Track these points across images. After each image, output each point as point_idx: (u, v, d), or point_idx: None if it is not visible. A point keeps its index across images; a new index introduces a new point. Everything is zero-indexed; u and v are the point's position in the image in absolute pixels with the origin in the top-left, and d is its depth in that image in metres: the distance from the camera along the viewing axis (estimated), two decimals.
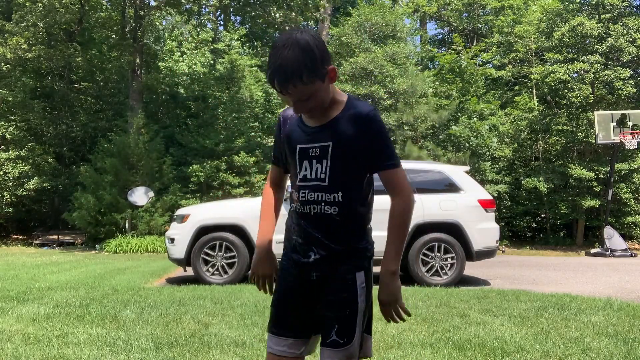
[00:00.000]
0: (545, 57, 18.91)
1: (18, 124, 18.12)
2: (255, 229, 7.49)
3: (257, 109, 18.48)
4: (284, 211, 2.04)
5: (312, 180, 1.82)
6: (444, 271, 7.71)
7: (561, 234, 19.23)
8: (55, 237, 17.28)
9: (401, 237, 1.93)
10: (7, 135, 17.57)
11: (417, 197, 7.88)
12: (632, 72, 17.62)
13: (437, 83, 19.88)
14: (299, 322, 1.84)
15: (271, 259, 1.96)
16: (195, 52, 20.07)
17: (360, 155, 1.79)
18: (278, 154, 2.01)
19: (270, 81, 1.70)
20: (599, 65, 17.02)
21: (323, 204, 1.80)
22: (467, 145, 17.14)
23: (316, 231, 1.82)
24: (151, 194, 15.19)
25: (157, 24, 21.36)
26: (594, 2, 17.90)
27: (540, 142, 18.96)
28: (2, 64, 17.24)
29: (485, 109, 18.33)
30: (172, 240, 7.86)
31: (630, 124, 14.57)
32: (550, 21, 18.79)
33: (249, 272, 1.93)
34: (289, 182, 2.02)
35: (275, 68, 1.65)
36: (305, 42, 1.64)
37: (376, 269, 1.95)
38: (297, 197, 1.86)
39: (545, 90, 18.64)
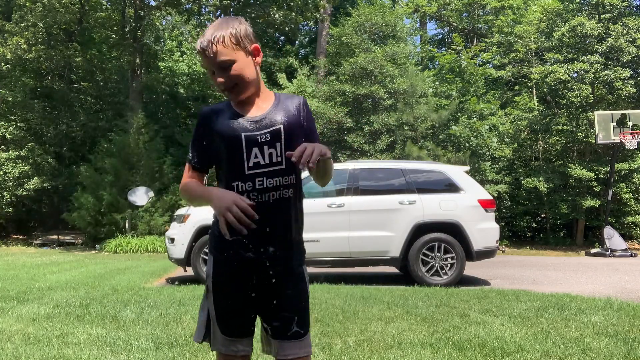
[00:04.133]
0: (545, 57, 18.91)
1: (18, 124, 18.12)
2: None
3: None
4: None
5: (267, 167, 1.81)
6: (444, 271, 7.71)
7: (561, 234, 19.23)
8: (55, 237, 17.29)
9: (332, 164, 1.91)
10: (7, 135, 17.58)
11: (417, 197, 7.88)
12: (632, 72, 17.62)
13: (437, 83, 19.89)
14: (251, 321, 1.88)
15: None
16: (195, 52, 20.08)
17: (303, 136, 1.88)
18: (201, 155, 1.88)
19: (198, 48, 1.81)
20: (599, 65, 17.02)
21: (282, 188, 1.82)
22: (467, 145, 17.14)
23: (274, 221, 1.82)
24: (151, 194, 15.19)
25: (157, 24, 21.38)
26: (594, 2, 17.90)
27: (540, 142, 18.96)
28: (2, 64, 17.24)
29: (485, 109, 18.33)
30: (172, 240, 7.86)
31: (630, 124, 14.57)
32: (550, 21, 18.79)
33: (220, 210, 1.72)
34: None
35: (203, 34, 1.80)
36: (231, 18, 1.84)
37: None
38: (252, 187, 1.80)
39: (545, 90, 18.64)
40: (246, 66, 1.81)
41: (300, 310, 1.86)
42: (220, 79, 1.79)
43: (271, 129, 1.82)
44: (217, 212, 1.73)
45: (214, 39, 1.76)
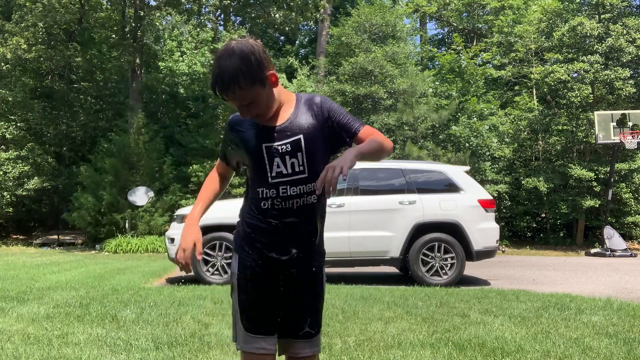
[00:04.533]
0: (545, 57, 18.90)
1: (18, 124, 18.12)
2: None
3: None
4: None
5: (290, 176, 1.86)
6: (444, 271, 7.71)
7: (561, 234, 19.23)
8: (55, 237, 17.28)
9: (375, 145, 1.88)
10: (7, 135, 17.58)
11: (417, 197, 7.88)
12: (632, 72, 17.62)
13: (437, 83, 19.89)
14: (274, 320, 1.91)
15: (198, 229, 1.95)
16: (195, 52, 20.07)
17: (329, 137, 1.91)
18: (227, 154, 2.02)
19: (212, 89, 1.79)
20: (599, 65, 17.02)
21: (305, 195, 1.87)
22: (467, 145, 17.13)
23: (297, 226, 1.88)
24: (151, 194, 15.19)
25: (157, 24, 21.37)
26: (594, 2, 17.89)
27: (540, 142, 18.95)
28: (2, 64, 17.24)
29: (485, 109, 18.33)
30: (172, 240, 7.86)
31: (630, 124, 14.57)
32: (550, 21, 18.79)
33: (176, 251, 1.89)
34: None
35: (215, 77, 1.75)
36: (240, 50, 1.73)
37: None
38: (276, 194, 1.86)
39: (545, 90, 18.64)
40: (265, 97, 1.81)
41: (314, 312, 1.92)
42: (242, 111, 1.83)
43: (292, 139, 1.86)
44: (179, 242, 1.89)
45: (228, 86, 1.74)
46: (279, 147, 1.85)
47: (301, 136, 1.86)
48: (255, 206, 1.90)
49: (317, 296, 1.94)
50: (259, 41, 1.81)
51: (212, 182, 2.08)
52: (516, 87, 20.79)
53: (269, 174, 1.86)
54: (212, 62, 1.83)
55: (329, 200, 7.92)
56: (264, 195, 1.86)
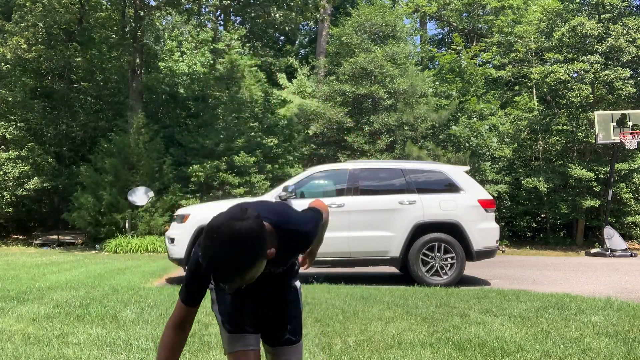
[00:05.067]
0: (545, 57, 18.90)
1: (18, 124, 18.11)
2: None
3: (257, 109, 18.49)
4: None
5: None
6: (444, 271, 7.71)
7: (561, 234, 19.23)
8: (55, 237, 17.27)
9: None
10: (7, 135, 17.56)
11: (417, 197, 7.88)
12: (632, 72, 17.62)
13: (437, 83, 19.89)
14: (256, 320, 1.96)
15: None
16: (195, 52, 20.07)
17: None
18: (195, 290, 1.82)
19: (207, 273, 1.63)
20: (599, 65, 17.02)
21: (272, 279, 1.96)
22: (467, 145, 17.13)
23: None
24: (151, 194, 15.19)
25: (157, 24, 21.37)
26: (594, 2, 17.89)
27: (540, 142, 18.95)
28: (2, 64, 17.23)
29: (485, 109, 18.33)
30: (172, 240, 7.86)
31: (630, 124, 14.57)
32: (550, 21, 18.78)
33: None
34: None
35: (216, 265, 1.58)
36: (242, 237, 1.56)
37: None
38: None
39: (545, 90, 18.64)
40: (260, 269, 1.68)
41: (293, 319, 1.99)
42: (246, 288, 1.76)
43: (278, 271, 1.94)
44: None
45: (230, 278, 1.60)
46: (263, 276, 1.81)
47: (282, 267, 1.94)
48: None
49: (294, 304, 2.01)
50: (259, 219, 1.63)
51: (167, 345, 1.82)
52: (516, 87, 20.79)
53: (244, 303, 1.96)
54: (205, 238, 1.60)
55: (329, 200, 7.92)
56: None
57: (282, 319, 1.98)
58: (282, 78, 20.68)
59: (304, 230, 1.82)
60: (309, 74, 21.70)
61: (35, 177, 17.44)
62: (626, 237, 17.39)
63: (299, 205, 8.14)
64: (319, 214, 1.95)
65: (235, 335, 1.89)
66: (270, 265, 1.77)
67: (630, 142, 14.41)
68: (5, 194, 17.11)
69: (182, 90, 19.51)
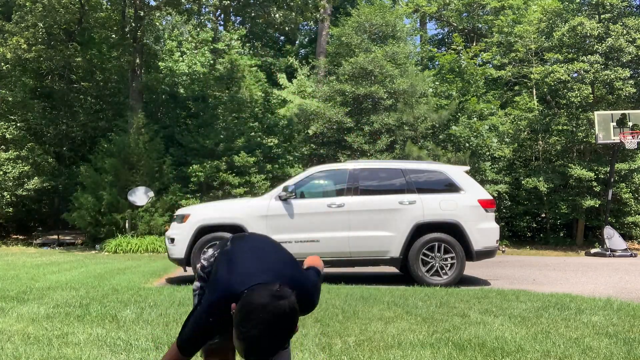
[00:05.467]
0: (545, 57, 18.90)
1: (18, 124, 18.10)
2: (256, 228, 7.53)
3: (257, 109, 18.50)
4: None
5: None
6: (444, 271, 7.71)
7: (561, 234, 19.23)
8: (55, 237, 17.27)
9: None
10: (7, 135, 17.56)
11: (417, 197, 7.88)
12: (632, 72, 17.62)
13: (437, 83, 19.88)
14: None
15: None
16: (195, 52, 20.08)
17: None
18: (198, 347, 1.87)
19: (248, 353, 1.63)
20: (599, 65, 17.02)
21: None
22: (467, 145, 17.13)
23: None
24: (151, 194, 15.19)
25: (157, 24, 21.37)
26: (594, 2, 17.89)
27: (540, 142, 18.95)
28: (2, 64, 17.22)
29: (485, 109, 18.33)
30: (172, 240, 7.86)
31: (630, 124, 14.57)
32: (550, 21, 18.78)
33: None
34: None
35: (260, 344, 1.61)
36: (287, 316, 1.62)
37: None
38: None
39: (545, 90, 18.64)
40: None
41: None
42: None
43: None
44: None
45: (268, 357, 1.64)
46: None
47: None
48: None
49: None
50: (294, 296, 1.69)
51: None
52: (516, 87, 20.78)
53: None
54: (246, 310, 1.61)
55: (329, 200, 7.93)
56: None
57: None
58: (282, 78, 20.66)
59: (314, 302, 1.94)
60: (309, 74, 21.70)
61: (35, 177, 17.43)
62: (626, 237, 17.38)
63: (299, 205, 8.15)
64: (320, 278, 2.04)
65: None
66: None
67: (630, 142, 14.41)
68: (5, 194, 17.10)
69: (182, 90, 19.51)
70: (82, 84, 20.72)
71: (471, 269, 9.22)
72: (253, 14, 19.98)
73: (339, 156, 17.28)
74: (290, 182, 8.10)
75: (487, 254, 8.01)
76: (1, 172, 16.97)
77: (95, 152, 17.05)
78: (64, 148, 19.50)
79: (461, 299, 5.91)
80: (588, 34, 17.27)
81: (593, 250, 15.09)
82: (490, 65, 21.27)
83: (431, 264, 7.70)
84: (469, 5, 23.96)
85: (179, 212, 8.35)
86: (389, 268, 8.62)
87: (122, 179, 15.82)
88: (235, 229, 7.64)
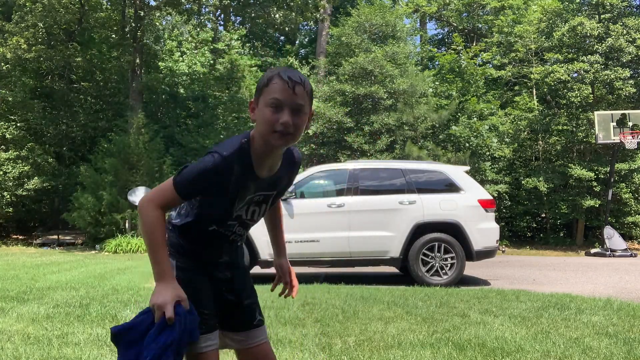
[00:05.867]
0: (545, 57, 18.90)
1: (18, 124, 18.10)
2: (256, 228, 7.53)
3: None
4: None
5: (244, 220, 1.88)
6: (444, 271, 7.71)
7: (561, 234, 19.24)
8: (56, 237, 17.28)
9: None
10: (7, 135, 17.56)
11: (417, 197, 7.89)
12: (632, 72, 17.62)
13: (437, 83, 19.89)
14: (216, 313, 1.91)
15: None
16: (195, 52, 20.08)
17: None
18: (198, 190, 1.74)
19: (283, 77, 1.67)
20: (599, 65, 17.02)
21: (239, 237, 1.94)
22: (467, 145, 17.14)
23: (231, 252, 1.98)
24: None
25: (157, 24, 21.37)
26: (594, 2, 17.90)
27: (540, 142, 18.96)
28: (2, 64, 17.22)
29: (485, 109, 18.33)
30: None
31: (630, 124, 14.57)
32: (550, 21, 18.79)
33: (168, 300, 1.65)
34: None
35: (291, 71, 1.71)
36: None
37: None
38: (227, 234, 1.88)
39: (545, 90, 18.64)
40: (306, 121, 1.74)
41: (257, 302, 2.02)
42: (287, 119, 1.67)
43: (267, 192, 1.86)
44: (153, 299, 1.64)
45: (302, 79, 1.69)
46: (254, 197, 1.83)
47: (275, 192, 1.88)
48: (196, 234, 1.86)
49: (254, 288, 2.04)
50: None
51: (163, 225, 1.75)
52: (516, 87, 20.79)
53: (230, 215, 1.82)
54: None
55: (329, 200, 7.94)
56: (213, 235, 1.85)
57: (254, 299, 1.99)
58: None
59: (300, 157, 1.96)
60: (309, 74, 21.70)
61: (35, 177, 17.43)
62: (626, 237, 17.39)
63: (299, 205, 8.14)
64: None
65: (206, 335, 1.80)
66: (272, 180, 1.83)
67: (630, 142, 14.41)
68: (5, 194, 17.10)
69: (182, 90, 19.51)
70: (82, 84, 20.72)
71: (471, 269, 9.22)
72: (253, 14, 19.98)
73: (339, 156, 17.28)
74: None
75: (487, 254, 8.01)
76: (1, 172, 16.97)
77: (95, 152, 17.05)
78: (64, 148, 19.50)
79: (461, 299, 5.92)
80: (588, 34, 17.28)
81: (593, 250, 15.10)
82: (490, 65, 21.28)
83: (431, 264, 7.70)
84: (469, 5, 23.97)
85: None
86: (389, 268, 8.62)
87: (122, 179, 15.82)
88: None
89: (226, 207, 1.80)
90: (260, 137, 1.72)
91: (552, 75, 17.34)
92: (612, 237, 14.54)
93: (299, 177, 8.31)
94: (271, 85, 1.68)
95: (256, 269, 7.81)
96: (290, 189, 7.84)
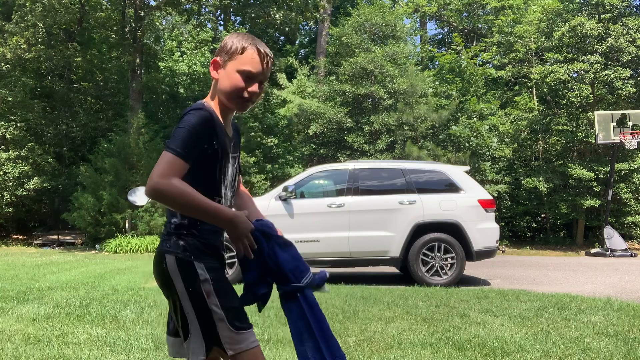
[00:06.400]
0: (545, 57, 18.91)
1: (18, 124, 18.10)
2: None
3: (257, 109, 18.49)
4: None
5: (230, 185, 1.89)
6: (444, 271, 7.71)
7: (561, 234, 19.24)
8: (55, 237, 17.28)
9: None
10: (7, 135, 17.56)
11: (417, 197, 7.89)
12: (632, 72, 17.63)
13: (437, 83, 19.88)
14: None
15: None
16: (195, 52, 20.07)
17: None
18: (194, 156, 1.69)
19: (260, 50, 1.77)
20: (599, 65, 17.02)
21: (230, 202, 1.94)
22: (467, 145, 17.14)
23: None
24: None
25: (157, 24, 21.37)
26: (594, 2, 17.90)
27: (540, 142, 18.96)
28: (2, 64, 17.23)
29: (485, 109, 18.34)
30: None
31: (630, 124, 14.57)
32: (550, 21, 18.79)
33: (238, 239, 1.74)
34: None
35: (262, 43, 1.80)
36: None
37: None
38: (222, 198, 1.84)
39: (545, 90, 18.64)
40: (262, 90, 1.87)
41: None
42: (256, 90, 1.79)
43: (234, 153, 1.90)
44: (236, 236, 1.73)
45: (270, 52, 1.81)
46: (232, 157, 1.87)
47: (239, 154, 1.94)
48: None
49: None
50: None
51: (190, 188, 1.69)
52: (516, 87, 20.79)
53: (223, 181, 1.83)
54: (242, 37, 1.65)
55: (329, 200, 7.94)
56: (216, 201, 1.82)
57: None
58: (282, 78, 20.66)
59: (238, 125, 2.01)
60: (309, 74, 21.69)
61: (35, 177, 17.44)
62: (626, 237, 17.39)
63: (299, 205, 8.14)
64: None
65: (245, 333, 1.74)
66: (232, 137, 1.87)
67: (630, 142, 14.41)
68: (5, 194, 17.10)
69: (182, 90, 19.51)
70: (82, 84, 20.72)
71: (471, 269, 9.22)
72: (253, 14, 19.98)
73: (339, 156, 17.28)
74: (290, 182, 8.10)
75: (487, 254, 8.01)
76: (1, 172, 16.97)
77: (95, 152, 17.05)
78: (64, 148, 19.50)
79: (461, 299, 5.92)
80: (588, 34, 17.28)
81: (593, 250, 15.10)
82: (490, 65, 21.28)
83: (431, 264, 7.70)
84: (469, 5, 23.97)
85: None
86: (389, 268, 8.62)
87: (122, 179, 15.82)
88: None
89: (218, 165, 1.79)
90: (224, 97, 1.79)
91: (552, 75, 17.34)
92: (612, 237, 14.54)
93: (299, 177, 8.32)
94: (246, 54, 1.76)
95: None
96: (290, 189, 7.86)
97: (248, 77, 1.76)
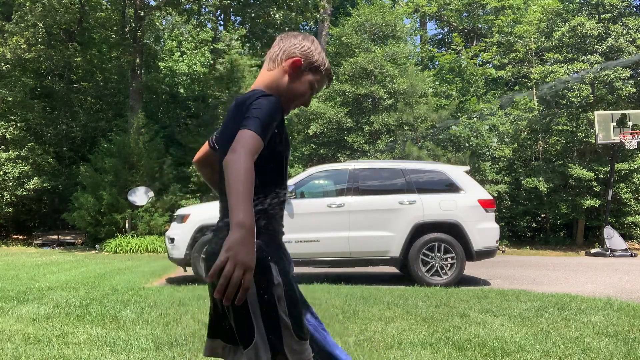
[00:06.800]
0: (545, 57, 18.91)
1: (18, 124, 18.11)
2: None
3: None
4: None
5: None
6: (444, 271, 7.71)
7: (561, 234, 19.23)
8: (55, 237, 17.28)
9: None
10: (7, 135, 17.57)
11: (417, 197, 7.88)
12: (632, 72, 17.63)
13: (437, 83, 19.89)
14: None
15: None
16: (195, 52, 20.08)
17: None
18: (270, 134, 1.62)
19: (332, 78, 1.96)
20: (598, 65, 17.02)
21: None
22: (467, 145, 17.14)
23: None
24: (151, 194, 15.19)
25: (157, 24, 21.38)
26: (594, 2, 17.90)
27: (540, 142, 18.96)
28: (2, 64, 17.23)
29: (485, 109, 18.34)
30: (172, 240, 7.86)
31: (630, 124, 14.57)
32: (550, 21, 18.80)
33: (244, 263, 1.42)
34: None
35: (326, 61, 1.93)
36: None
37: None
38: (283, 198, 1.77)
39: (545, 90, 18.65)
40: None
41: None
42: (308, 103, 1.89)
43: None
44: (228, 247, 1.42)
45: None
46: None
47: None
48: (274, 210, 1.73)
49: None
50: None
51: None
52: (516, 87, 20.80)
53: (284, 179, 1.77)
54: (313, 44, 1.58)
55: (329, 200, 7.94)
56: (280, 199, 1.74)
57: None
58: None
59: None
60: None
61: (35, 177, 17.44)
62: (626, 237, 17.39)
63: (299, 205, 8.14)
64: None
65: (306, 343, 1.65)
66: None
67: (630, 142, 14.41)
68: (5, 194, 17.11)
69: (182, 90, 19.52)
70: (82, 84, 20.73)
71: (471, 269, 9.22)
72: (253, 14, 19.99)
73: (339, 156, 17.28)
74: (290, 182, 8.10)
75: (487, 254, 8.01)
76: (1, 172, 16.98)
77: (95, 152, 17.06)
78: (64, 148, 19.51)
79: (461, 299, 5.92)
80: (588, 34, 17.28)
81: (593, 250, 15.10)
82: (490, 65, 21.28)
83: (431, 264, 7.70)
84: (469, 5, 23.98)
85: (179, 212, 8.34)
86: (389, 268, 8.62)
87: (122, 179, 15.83)
88: None
89: (285, 158, 1.75)
90: (288, 95, 1.82)
91: (552, 75, 17.34)
92: (612, 237, 14.54)
93: (299, 177, 8.31)
94: (326, 76, 1.89)
95: None
96: (290, 189, 7.86)
97: (313, 93, 1.87)
